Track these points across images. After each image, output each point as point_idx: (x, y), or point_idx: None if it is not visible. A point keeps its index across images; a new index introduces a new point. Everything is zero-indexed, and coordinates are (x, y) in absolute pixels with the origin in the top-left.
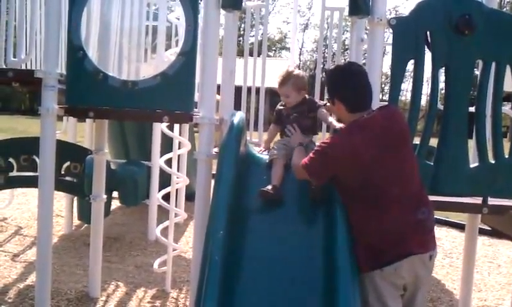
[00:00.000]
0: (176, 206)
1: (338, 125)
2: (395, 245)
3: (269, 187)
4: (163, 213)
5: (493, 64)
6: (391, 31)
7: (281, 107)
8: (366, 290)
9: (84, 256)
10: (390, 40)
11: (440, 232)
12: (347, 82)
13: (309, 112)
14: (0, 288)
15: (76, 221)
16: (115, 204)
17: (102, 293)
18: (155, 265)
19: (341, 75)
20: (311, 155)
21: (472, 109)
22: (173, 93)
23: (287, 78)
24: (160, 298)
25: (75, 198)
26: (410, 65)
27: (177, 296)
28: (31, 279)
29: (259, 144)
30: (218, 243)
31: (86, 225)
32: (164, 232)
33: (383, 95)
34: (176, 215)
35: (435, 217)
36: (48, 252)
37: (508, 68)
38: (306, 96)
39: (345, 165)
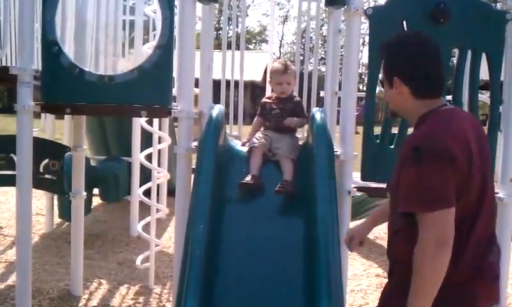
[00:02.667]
0: (158, 202)
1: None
2: (459, 297)
3: (248, 178)
4: (145, 209)
5: (469, 52)
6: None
7: (267, 100)
8: None
9: (66, 254)
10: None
11: None
12: (418, 56)
13: (293, 114)
14: None
15: (57, 219)
16: (96, 201)
17: (85, 291)
18: (138, 261)
19: (409, 48)
20: (416, 179)
21: (448, 98)
22: (150, 86)
23: (290, 66)
24: (144, 294)
25: (56, 196)
26: None
27: (161, 292)
28: (12, 279)
29: (239, 137)
30: (199, 237)
31: (67, 223)
32: (146, 228)
33: (362, 86)
34: (158, 210)
35: None
36: (28, 251)
37: (484, 55)
38: (296, 97)
39: (461, 168)
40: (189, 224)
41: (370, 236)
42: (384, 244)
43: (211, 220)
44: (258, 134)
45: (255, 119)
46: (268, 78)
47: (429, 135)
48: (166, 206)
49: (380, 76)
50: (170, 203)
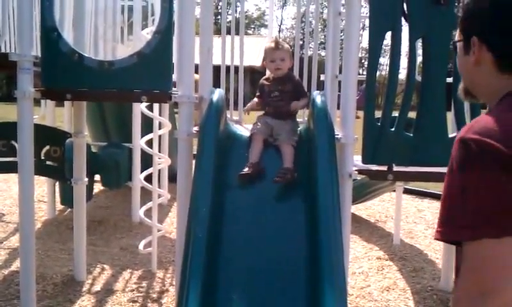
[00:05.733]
0: (159, 187)
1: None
2: None
3: (246, 168)
4: (146, 195)
5: None
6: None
7: (265, 81)
8: None
9: (69, 240)
10: None
11: (421, 204)
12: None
13: (293, 96)
14: None
15: (59, 206)
16: (98, 187)
17: (88, 276)
18: (141, 247)
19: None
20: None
21: (449, 80)
22: (150, 71)
23: (282, 43)
24: (147, 279)
25: (57, 183)
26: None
27: (163, 276)
28: (16, 265)
29: (240, 122)
30: (201, 220)
31: (69, 209)
32: (148, 213)
33: (362, 70)
34: (159, 196)
35: (416, 189)
36: (31, 237)
37: None
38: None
39: None
40: (191, 208)
41: (371, 219)
42: (385, 226)
43: (213, 204)
44: (260, 120)
45: (254, 98)
46: (263, 61)
47: (482, 128)
48: (167, 191)
49: (456, 35)
50: (171, 188)
